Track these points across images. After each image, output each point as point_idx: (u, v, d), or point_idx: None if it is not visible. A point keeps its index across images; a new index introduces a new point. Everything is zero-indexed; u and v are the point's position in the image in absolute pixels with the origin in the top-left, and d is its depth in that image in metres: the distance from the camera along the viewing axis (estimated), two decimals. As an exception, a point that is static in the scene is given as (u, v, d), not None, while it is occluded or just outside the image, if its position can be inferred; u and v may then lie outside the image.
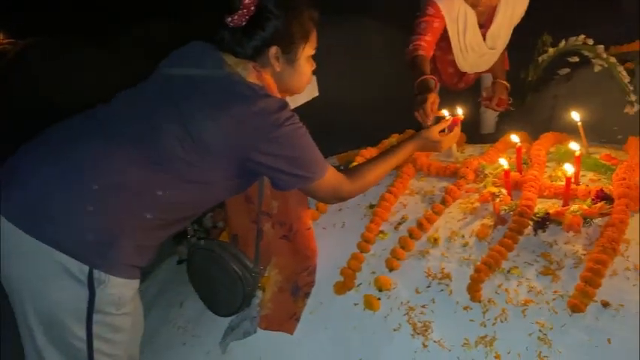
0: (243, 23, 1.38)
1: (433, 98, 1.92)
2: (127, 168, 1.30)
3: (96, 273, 1.27)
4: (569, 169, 1.69)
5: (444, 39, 2.42)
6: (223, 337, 1.72)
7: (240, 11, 1.36)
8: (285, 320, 1.66)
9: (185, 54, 1.47)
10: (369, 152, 2.19)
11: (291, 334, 1.64)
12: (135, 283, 1.38)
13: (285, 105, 1.38)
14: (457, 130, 1.87)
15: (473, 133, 2.62)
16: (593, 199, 1.67)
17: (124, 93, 1.44)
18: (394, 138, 2.32)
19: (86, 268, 1.26)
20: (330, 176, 1.48)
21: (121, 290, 1.32)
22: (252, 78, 1.40)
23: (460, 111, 1.92)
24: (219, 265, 1.61)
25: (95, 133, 1.35)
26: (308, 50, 1.49)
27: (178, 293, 2.03)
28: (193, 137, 1.31)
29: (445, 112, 1.93)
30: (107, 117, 1.38)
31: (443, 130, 1.83)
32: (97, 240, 1.28)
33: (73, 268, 1.26)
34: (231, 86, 1.36)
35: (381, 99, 3.24)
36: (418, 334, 1.49)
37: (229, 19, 1.37)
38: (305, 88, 1.60)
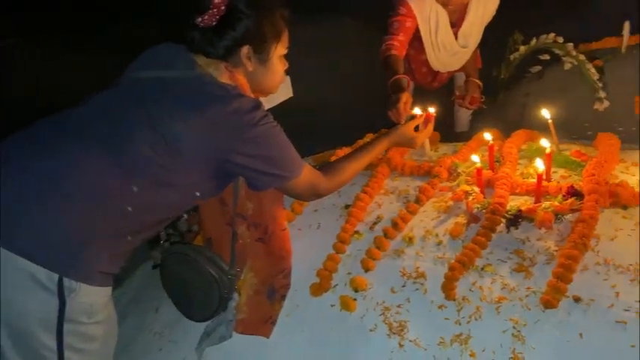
0: (214, 23, 1.36)
1: (406, 97, 1.92)
2: (99, 174, 1.27)
3: (66, 281, 1.24)
4: (540, 165, 1.71)
5: (417, 38, 2.43)
6: (199, 343, 1.70)
7: (210, 11, 1.35)
8: (261, 324, 1.65)
9: (155, 56, 1.45)
10: (344, 152, 2.19)
11: (268, 337, 1.63)
12: (107, 291, 1.35)
13: (259, 104, 1.36)
14: (430, 126, 1.89)
15: (447, 131, 2.64)
16: (563, 196, 1.69)
17: (94, 96, 1.40)
18: (369, 138, 2.32)
19: (56, 277, 1.23)
20: (306, 174, 1.47)
21: (92, 298, 1.29)
22: (224, 78, 1.38)
23: (432, 109, 1.93)
24: (195, 269, 1.58)
25: (66, 138, 1.31)
26: (280, 49, 1.48)
27: (154, 298, 2.00)
28: (166, 140, 1.28)
29: (417, 110, 1.94)
30: (78, 121, 1.35)
31: (416, 127, 1.84)
32: (69, 247, 1.25)
33: (41, 276, 1.22)
34: (203, 87, 1.34)
35: (355, 99, 3.24)
36: (394, 334, 1.49)
37: (199, 19, 1.35)
38: (278, 88, 1.59)
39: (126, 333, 1.85)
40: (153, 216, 1.38)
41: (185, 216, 2.20)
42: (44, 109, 1.45)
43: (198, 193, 1.45)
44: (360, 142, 2.31)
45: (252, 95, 1.43)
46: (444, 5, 2.37)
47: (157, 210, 1.38)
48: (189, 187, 1.39)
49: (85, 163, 1.27)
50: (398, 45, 2.26)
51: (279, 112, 1.66)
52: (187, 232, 2.21)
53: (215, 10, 1.35)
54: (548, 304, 1.39)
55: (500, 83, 2.90)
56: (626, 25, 2.53)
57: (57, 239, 1.24)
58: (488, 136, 2.03)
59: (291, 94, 2.02)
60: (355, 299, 1.60)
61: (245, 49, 1.40)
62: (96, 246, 1.27)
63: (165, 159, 1.29)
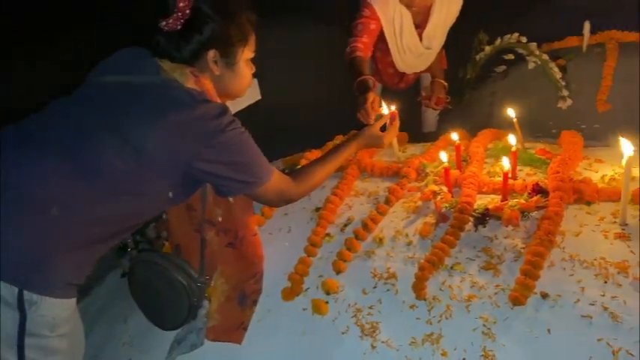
0: (179, 27, 1.34)
1: (372, 97, 1.94)
2: (62, 182, 1.23)
3: (26, 294, 1.20)
4: (506, 164, 1.73)
5: (382, 40, 2.44)
6: (170, 351, 1.67)
7: (174, 15, 1.32)
8: (233, 330, 1.63)
9: (118, 61, 1.42)
10: (314, 155, 2.19)
11: (239, 343, 1.61)
12: (71, 303, 1.31)
13: (225, 110, 1.34)
14: (396, 123, 1.89)
15: (415, 132, 2.66)
16: (529, 193, 1.72)
17: (57, 102, 1.37)
18: (338, 140, 2.33)
19: (15, 290, 1.19)
20: (275, 180, 1.45)
21: (54, 311, 1.25)
22: (190, 84, 1.36)
23: (393, 107, 1.95)
24: (163, 277, 1.55)
25: (27, 145, 1.27)
26: (247, 53, 1.47)
27: (122, 308, 1.96)
28: (132, 147, 1.26)
29: (385, 110, 1.95)
30: (40, 129, 1.31)
31: (384, 128, 1.84)
32: (29, 259, 1.21)
33: (1, 290, 1.19)
34: (168, 93, 1.32)
35: (324, 101, 3.24)
36: (366, 335, 1.49)
37: (164, 23, 1.33)
38: (246, 92, 1.57)
39: (94, 344, 1.81)
40: (119, 224, 1.35)
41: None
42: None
43: (165, 200, 1.42)
44: (330, 144, 2.31)
45: (218, 100, 1.41)
46: (408, 7, 2.39)
47: (124, 218, 1.35)
48: (156, 194, 1.36)
49: (48, 171, 1.24)
50: (362, 47, 2.26)
51: (247, 115, 1.65)
52: (156, 239, 2.18)
53: (180, 13, 1.32)
54: (517, 301, 1.41)
55: (466, 83, 2.93)
56: (587, 25, 2.59)
57: (16, 251, 1.20)
58: (454, 136, 2.05)
59: (259, 97, 2.01)
60: (327, 302, 1.60)
61: (211, 53, 1.38)
62: (58, 257, 1.24)
63: (131, 165, 1.27)
